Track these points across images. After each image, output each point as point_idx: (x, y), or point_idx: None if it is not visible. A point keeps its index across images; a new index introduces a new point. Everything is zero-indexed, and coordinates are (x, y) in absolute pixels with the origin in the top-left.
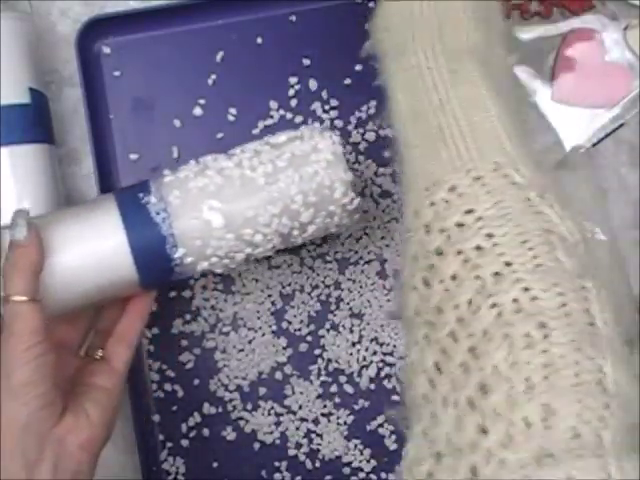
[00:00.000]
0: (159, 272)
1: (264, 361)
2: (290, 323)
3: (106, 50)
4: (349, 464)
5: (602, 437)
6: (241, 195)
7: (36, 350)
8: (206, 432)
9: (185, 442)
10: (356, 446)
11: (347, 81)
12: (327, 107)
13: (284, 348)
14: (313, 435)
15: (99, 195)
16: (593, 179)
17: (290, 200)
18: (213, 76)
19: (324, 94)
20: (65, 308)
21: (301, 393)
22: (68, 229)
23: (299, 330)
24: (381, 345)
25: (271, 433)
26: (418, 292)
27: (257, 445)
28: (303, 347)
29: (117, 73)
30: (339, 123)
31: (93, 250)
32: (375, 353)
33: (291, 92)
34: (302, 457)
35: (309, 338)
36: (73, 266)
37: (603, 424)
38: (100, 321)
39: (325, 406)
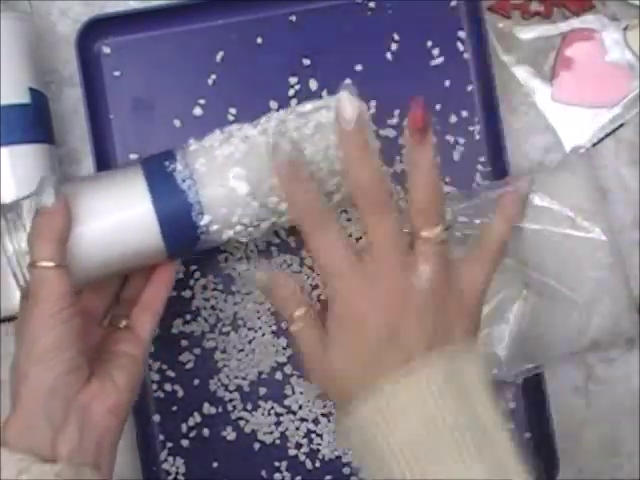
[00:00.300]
0: (185, 240)
1: (264, 361)
2: None
3: (106, 50)
4: (349, 464)
5: None
6: (266, 163)
7: (62, 316)
8: (206, 432)
9: (185, 442)
10: None
11: (347, 81)
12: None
13: (284, 348)
14: (313, 435)
15: (125, 164)
16: (593, 179)
17: (316, 168)
18: (213, 76)
19: (324, 94)
20: (91, 277)
21: (301, 393)
22: (95, 197)
23: None
24: None
25: (271, 433)
26: None
27: (257, 445)
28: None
29: (117, 73)
30: None
31: (119, 218)
32: None
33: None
34: (302, 457)
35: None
36: (99, 234)
37: None
38: (125, 290)
39: (325, 406)
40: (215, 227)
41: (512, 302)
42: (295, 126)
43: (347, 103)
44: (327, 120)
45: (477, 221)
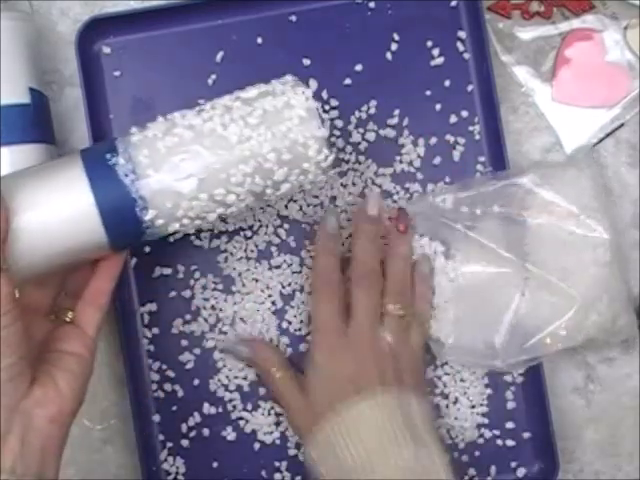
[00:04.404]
0: (129, 234)
1: None
2: (290, 323)
3: (106, 50)
4: None
5: None
6: (212, 153)
7: (3, 320)
8: (206, 432)
9: (185, 442)
10: None
11: (347, 81)
12: (327, 107)
13: (286, 347)
14: None
15: (64, 156)
16: (599, 178)
17: (263, 159)
18: (213, 76)
19: (324, 94)
20: (33, 273)
21: None
22: (33, 191)
23: (299, 330)
24: None
25: (271, 433)
26: None
27: (257, 445)
28: (303, 347)
29: (117, 73)
30: (339, 123)
31: (60, 213)
32: None
33: None
34: (302, 457)
35: (309, 338)
36: (40, 229)
37: None
38: (70, 281)
39: None
40: (160, 221)
41: (511, 295)
42: (240, 115)
43: (374, 202)
44: (273, 108)
45: (478, 211)
